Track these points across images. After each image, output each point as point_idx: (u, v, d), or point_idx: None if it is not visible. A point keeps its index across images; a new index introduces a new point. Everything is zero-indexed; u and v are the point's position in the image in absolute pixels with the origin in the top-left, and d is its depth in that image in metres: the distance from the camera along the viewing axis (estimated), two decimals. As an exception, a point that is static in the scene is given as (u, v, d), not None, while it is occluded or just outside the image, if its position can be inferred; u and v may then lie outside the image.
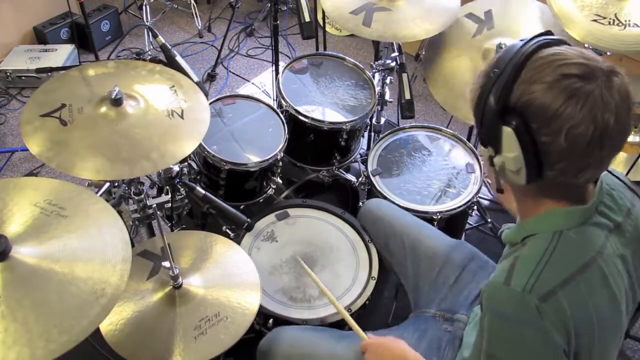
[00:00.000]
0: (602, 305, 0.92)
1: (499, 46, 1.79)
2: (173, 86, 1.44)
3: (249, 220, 1.57)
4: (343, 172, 2.14)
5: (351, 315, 1.46)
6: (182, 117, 1.37)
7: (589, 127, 0.83)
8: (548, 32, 0.93)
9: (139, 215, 1.58)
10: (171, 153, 1.30)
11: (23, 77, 2.99)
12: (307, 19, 1.91)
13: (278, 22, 2.34)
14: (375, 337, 1.29)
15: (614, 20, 1.74)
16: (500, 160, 0.93)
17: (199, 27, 3.49)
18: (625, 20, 1.73)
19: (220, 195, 1.87)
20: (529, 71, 0.87)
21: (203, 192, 1.59)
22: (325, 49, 2.97)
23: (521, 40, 0.92)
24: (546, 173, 0.89)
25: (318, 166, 2.11)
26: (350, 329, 1.37)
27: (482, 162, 1.56)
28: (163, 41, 1.68)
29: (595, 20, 1.75)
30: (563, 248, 0.91)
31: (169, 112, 1.37)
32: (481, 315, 0.95)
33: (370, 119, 2.23)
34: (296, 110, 1.94)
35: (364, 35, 1.82)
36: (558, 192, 0.95)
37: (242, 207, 1.94)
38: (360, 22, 1.82)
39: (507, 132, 0.88)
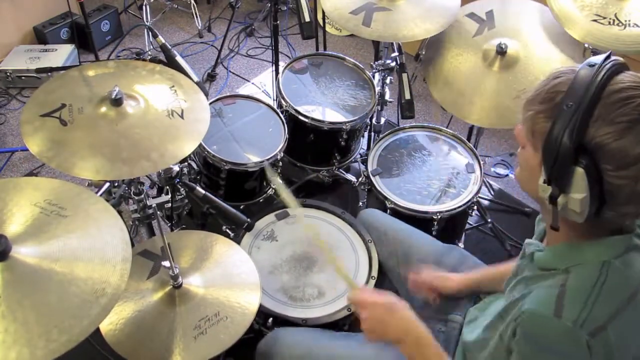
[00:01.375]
0: None
1: (500, 46, 1.79)
2: (173, 86, 1.44)
3: (249, 220, 1.58)
4: (343, 172, 2.14)
5: (350, 314, 1.47)
6: (182, 117, 1.37)
7: None
8: (609, 56, 0.88)
9: (139, 215, 1.58)
10: (171, 153, 1.30)
11: (23, 77, 2.99)
12: (307, 19, 1.91)
13: (278, 22, 2.34)
14: (371, 294, 1.16)
15: (614, 20, 1.74)
16: (564, 200, 0.87)
17: (199, 27, 3.49)
18: (625, 20, 1.73)
19: (220, 195, 1.87)
20: (604, 107, 0.81)
21: (203, 192, 1.60)
22: (325, 49, 2.97)
23: (590, 65, 0.85)
24: (606, 212, 0.86)
25: (318, 166, 2.11)
26: (348, 328, 1.36)
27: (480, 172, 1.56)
28: (163, 41, 1.68)
29: (595, 20, 1.75)
30: (612, 280, 0.88)
31: (169, 112, 1.37)
32: (514, 339, 0.92)
33: (370, 119, 2.23)
34: (296, 110, 1.94)
35: (364, 35, 1.82)
36: (610, 229, 0.92)
37: (242, 207, 1.94)
38: (360, 22, 1.82)
39: (579, 173, 0.83)
